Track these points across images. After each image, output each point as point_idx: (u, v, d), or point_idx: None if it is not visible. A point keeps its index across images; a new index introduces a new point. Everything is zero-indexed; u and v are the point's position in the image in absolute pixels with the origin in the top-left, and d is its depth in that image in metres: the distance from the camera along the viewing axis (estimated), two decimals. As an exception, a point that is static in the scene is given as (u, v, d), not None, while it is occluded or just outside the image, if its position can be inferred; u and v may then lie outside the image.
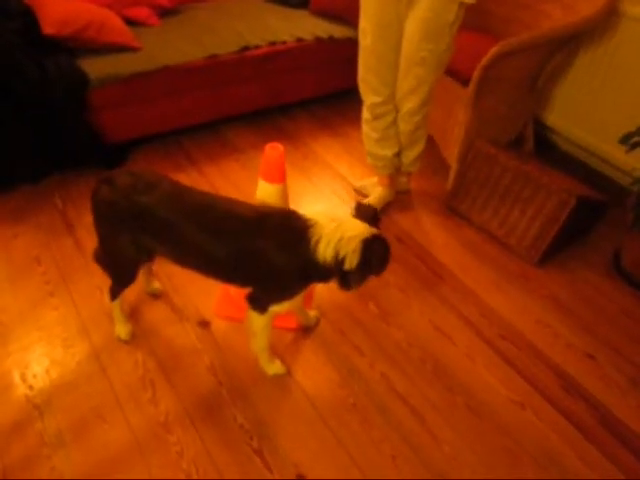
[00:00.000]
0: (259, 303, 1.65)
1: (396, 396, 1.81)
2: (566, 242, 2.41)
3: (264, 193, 1.82)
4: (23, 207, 2.37)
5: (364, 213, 1.58)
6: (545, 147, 3.03)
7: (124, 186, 1.56)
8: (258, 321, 1.68)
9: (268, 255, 1.51)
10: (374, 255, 1.50)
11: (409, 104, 2.25)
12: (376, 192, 2.57)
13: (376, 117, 2.35)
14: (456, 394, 1.84)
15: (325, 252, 1.47)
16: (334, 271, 1.51)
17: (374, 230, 1.53)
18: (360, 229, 1.50)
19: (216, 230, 1.54)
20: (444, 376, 1.89)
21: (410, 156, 2.48)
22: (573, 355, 2.01)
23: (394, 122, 2.37)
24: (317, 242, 1.47)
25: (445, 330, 2.05)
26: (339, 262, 1.47)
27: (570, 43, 2.57)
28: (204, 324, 1.98)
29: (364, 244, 1.47)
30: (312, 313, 2.02)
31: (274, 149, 1.76)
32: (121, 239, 1.62)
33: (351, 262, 1.47)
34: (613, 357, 2.01)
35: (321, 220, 1.51)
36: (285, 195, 1.85)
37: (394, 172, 2.54)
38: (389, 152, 2.44)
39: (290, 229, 1.53)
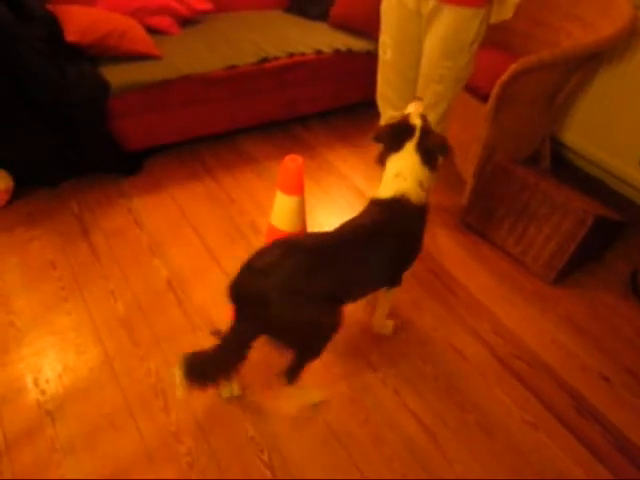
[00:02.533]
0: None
1: (408, 413, 1.79)
2: (583, 261, 2.39)
3: (281, 205, 1.82)
4: (40, 211, 2.39)
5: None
6: (561, 165, 3.02)
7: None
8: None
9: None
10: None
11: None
12: None
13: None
14: (468, 412, 1.82)
15: None
16: None
17: None
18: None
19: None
20: (457, 394, 1.87)
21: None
22: (588, 376, 1.98)
23: None
24: None
25: (459, 347, 2.03)
26: None
27: (590, 62, 2.56)
28: (217, 333, 1.96)
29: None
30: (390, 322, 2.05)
31: (293, 161, 1.77)
32: None
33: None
34: (628, 380, 1.99)
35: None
36: (303, 207, 1.85)
37: None
38: None
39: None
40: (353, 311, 2.11)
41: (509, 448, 1.73)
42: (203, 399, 1.76)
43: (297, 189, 1.80)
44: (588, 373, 2.00)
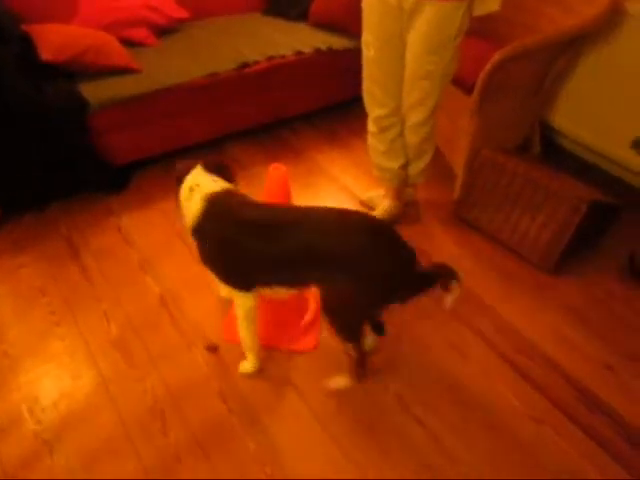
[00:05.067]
0: None
1: (411, 417, 1.77)
2: (580, 248, 2.35)
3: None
4: (27, 236, 2.36)
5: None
6: (553, 150, 2.98)
7: None
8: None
9: None
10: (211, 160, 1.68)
11: (416, 116, 2.22)
12: (383, 205, 2.53)
13: (382, 130, 2.32)
14: (472, 412, 1.79)
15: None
16: None
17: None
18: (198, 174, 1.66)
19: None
20: (460, 394, 1.84)
21: (417, 168, 2.44)
22: (591, 367, 1.95)
23: (400, 134, 2.33)
24: None
25: (459, 347, 2.00)
26: None
27: (574, 45, 2.52)
28: (212, 349, 1.94)
29: (202, 164, 1.68)
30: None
31: (277, 170, 1.74)
32: None
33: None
34: (632, 366, 1.96)
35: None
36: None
37: (401, 184, 2.50)
38: (396, 164, 2.40)
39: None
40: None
41: (516, 446, 1.70)
42: (202, 416, 1.74)
43: (283, 197, 1.77)
44: (591, 363, 1.97)
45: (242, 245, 1.54)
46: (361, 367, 1.79)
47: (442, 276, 1.64)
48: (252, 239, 1.52)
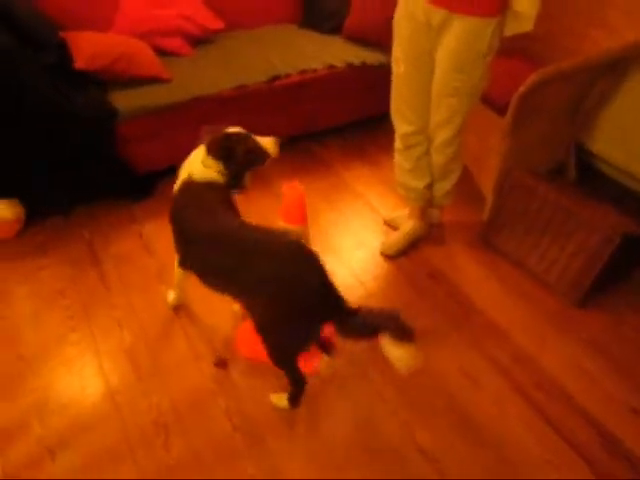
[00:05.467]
0: None
1: (417, 448, 1.70)
2: (610, 281, 2.24)
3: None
4: (51, 239, 2.39)
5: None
6: (591, 175, 2.86)
7: None
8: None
9: None
10: (220, 142, 1.67)
11: (442, 135, 2.16)
12: (407, 225, 2.47)
13: (408, 147, 2.27)
14: (482, 448, 1.71)
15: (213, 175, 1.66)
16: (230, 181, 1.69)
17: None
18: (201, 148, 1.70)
19: None
20: (470, 428, 1.77)
21: (443, 189, 2.37)
22: (616, 409, 1.85)
23: (426, 153, 2.28)
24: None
25: (475, 377, 1.92)
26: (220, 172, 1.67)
27: (616, 69, 2.42)
28: (222, 364, 1.92)
29: (209, 145, 1.68)
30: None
31: (293, 190, 1.71)
32: None
33: (217, 166, 1.66)
34: (661, 412, 1.85)
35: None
36: (306, 236, 1.78)
37: (426, 204, 2.44)
38: (421, 184, 2.35)
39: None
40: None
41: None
42: (205, 433, 1.72)
43: (299, 218, 1.74)
44: (615, 404, 1.86)
45: (185, 243, 1.69)
46: (295, 394, 1.74)
47: (388, 328, 1.45)
48: (194, 244, 1.63)
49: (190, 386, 1.85)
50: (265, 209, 2.60)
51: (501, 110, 2.32)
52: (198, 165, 1.68)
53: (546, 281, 2.28)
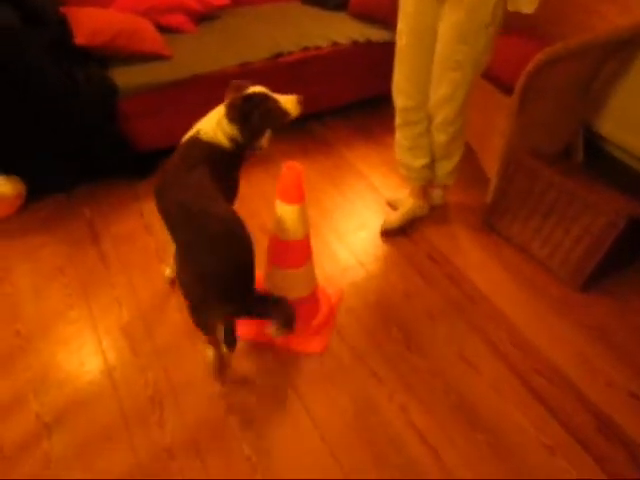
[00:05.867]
0: None
1: (414, 432, 1.70)
2: (615, 266, 2.21)
3: (282, 214, 1.75)
4: (53, 216, 2.39)
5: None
6: (599, 158, 2.80)
7: None
8: None
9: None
10: (239, 106, 1.64)
11: (444, 112, 2.12)
12: (406, 204, 2.44)
13: (407, 123, 2.24)
14: (480, 432, 1.70)
15: (220, 138, 1.66)
16: (240, 147, 1.70)
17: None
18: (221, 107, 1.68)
19: None
20: (468, 412, 1.76)
21: (444, 168, 2.34)
22: (615, 394, 1.83)
23: (426, 131, 2.24)
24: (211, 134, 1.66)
25: (473, 361, 1.91)
26: (232, 137, 1.67)
27: (627, 48, 2.35)
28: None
29: (227, 107, 1.65)
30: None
31: (291, 169, 1.68)
32: None
33: (231, 128, 1.66)
34: (662, 398, 1.83)
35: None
36: (304, 215, 1.76)
37: (426, 184, 2.41)
38: (420, 162, 2.31)
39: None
40: (357, 320, 2.03)
41: (521, 473, 1.61)
42: (199, 413, 1.72)
43: (297, 197, 1.71)
44: (615, 390, 1.84)
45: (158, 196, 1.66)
46: (217, 366, 1.78)
47: (276, 315, 1.59)
48: (162, 197, 1.63)
49: (186, 366, 1.85)
50: (267, 189, 2.58)
51: (508, 89, 2.27)
52: (211, 124, 1.67)
53: (549, 266, 2.25)
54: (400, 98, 2.21)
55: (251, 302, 1.56)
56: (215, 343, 1.75)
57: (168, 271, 2.11)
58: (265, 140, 1.82)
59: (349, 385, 1.82)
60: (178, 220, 1.53)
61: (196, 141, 1.68)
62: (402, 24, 2.05)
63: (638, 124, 2.60)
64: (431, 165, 2.34)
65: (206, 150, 1.66)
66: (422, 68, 2.07)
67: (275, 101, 1.74)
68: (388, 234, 2.43)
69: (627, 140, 2.67)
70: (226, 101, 1.71)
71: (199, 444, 1.65)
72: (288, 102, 1.76)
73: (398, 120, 2.28)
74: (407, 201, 2.46)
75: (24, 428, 1.67)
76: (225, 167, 1.70)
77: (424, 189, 2.43)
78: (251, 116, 1.68)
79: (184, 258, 1.52)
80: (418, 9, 1.96)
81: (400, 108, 2.23)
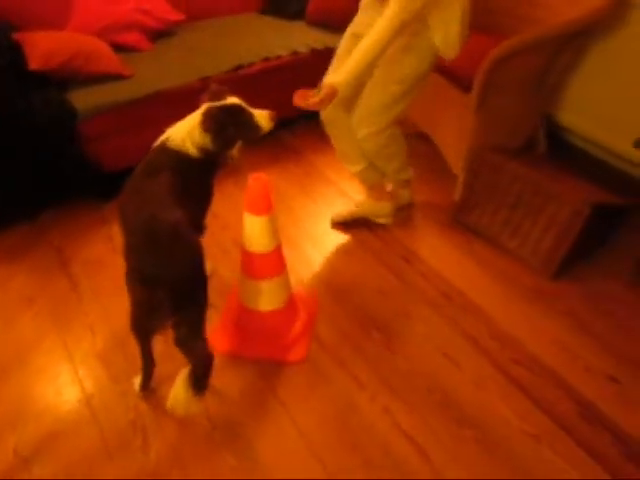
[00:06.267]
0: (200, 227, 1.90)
1: (400, 433, 1.70)
2: (584, 252, 2.25)
3: (251, 226, 1.74)
4: (20, 245, 2.35)
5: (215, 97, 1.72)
6: (562, 148, 2.86)
7: None
8: None
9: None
10: (216, 117, 1.64)
11: (364, 130, 2.13)
12: (362, 203, 2.49)
13: (332, 134, 2.28)
14: (465, 428, 1.71)
15: (188, 146, 1.64)
16: (210, 156, 1.69)
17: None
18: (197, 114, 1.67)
19: None
20: (452, 408, 1.76)
21: (390, 167, 2.34)
22: (594, 379, 1.85)
23: (350, 139, 2.24)
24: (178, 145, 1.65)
25: (454, 357, 1.92)
26: (202, 147, 1.65)
27: (579, 38, 2.40)
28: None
29: (203, 117, 1.64)
30: None
31: (257, 181, 1.68)
32: None
33: (203, 138, 1.64)
34: (639, 379, 1.85)
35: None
36: (273, 226, 1.76)
37: (375, 184, 2.42)
38: (357, 167, 2.33)
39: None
40: (336, 325, 2.02)
41: (510, 464, 1.62)
42: (184, 431, 1.69)
43: (264, 208, 1.71)
44: (594, 375, 1.87)
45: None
46: (144, 373, 1.76)
47: (193, 371, 1.54)
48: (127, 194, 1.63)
49: (167, 386, 1.81)
50: (238, 201, 2.56)
51: (467, 87, 2.30)
52: (182, 132, 1.67)
53: (520, 257, 2.28)
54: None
55: (194, 313, 1.53)
56: (145, 366, 1.73)
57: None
58: (236, 150, 1.83)
59: (331, 391, 1.81)
60: (128, 224, 1.53)
61: (163, 148, 1.67)
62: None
63: (595, 112, 2.66)
64: (371, 167, 2.33)
65: (173, 157, 1.65)
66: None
67: (250, 115, 1.75)
68: (334, 225, 2.49)
69: (586, 128, 2.73)
70: (203, 108, 1.70)
71: (185, 462, 1.62)
72: (261, 117, 1.77)
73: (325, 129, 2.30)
74: (364, 199, 2.50)
75: (2, 462, 1.62)
76: (194, 175, 1.70)
77: (378, 188, 2.43)
78: (226, 128, 1.68)
79: (130, 261, 1.50)
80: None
81: (327, 113, 2.22)
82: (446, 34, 1.93)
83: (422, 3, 1.77)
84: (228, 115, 1.69)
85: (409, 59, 1.98)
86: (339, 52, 2.17)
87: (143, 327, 1.60)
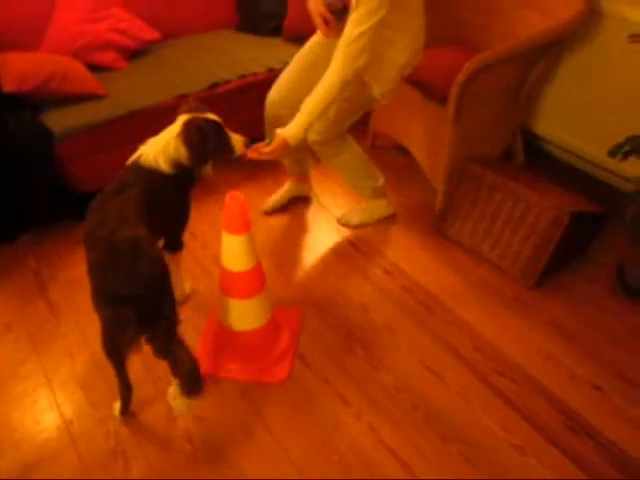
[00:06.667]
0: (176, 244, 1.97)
1: (385, 449, 1.68)
2: (564, 260, 2.26)
3: (229, 246, 1.72)
4: (-4, 270, 2.31)
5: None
6: (539, 157, 2.89)
7: None
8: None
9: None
10: (199, 127, 1.65)
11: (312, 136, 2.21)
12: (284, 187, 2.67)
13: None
14: (450, 442, 1.70)
15: (160, 162, 1.64)
16: (183, 172, 1.69)
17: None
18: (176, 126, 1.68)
19: None
20: (437, 422, 1.75)
21: (346, 178, 2.46)
22: (578, 387, 1.86)
23: None
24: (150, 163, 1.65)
25: (437, 370, 1.91)
26: (175, 162, 1.66)
27: (552, 49, 2.43)
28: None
29: (185, 127, 1.65)
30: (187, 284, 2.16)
31: (234, 199, 1.67)
32: None
33: (178, 151, 1.64)
34: (622, 386, 1.86)
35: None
36: (251, 245, 1.74)
37: (298, 172, 2.60)
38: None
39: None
40: (319, 342, 2.01)
41: (496, 477, 1.61)
42: (166, 456, 1.66)
43: (242, 227, 1.69)
44: (578, 383, 1.87)
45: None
46: (122, 397, 1.73)
47: (181, 379, 1.54)
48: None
49: (148, 411, 1.79)
50: (217, 219, 2.54)
51: (443, 100, 2.31)
52: (155, 148, 1.67)
53: (501, 267, 2.28)
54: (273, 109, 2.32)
55: (163, 327, 1.52)
56: (122, 389, 1.70)
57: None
58: (209, 168, 1.84)
59: (316, 410, 1.79)
60: (89, 242, 1.51)
61: (134, 166, 1.68)
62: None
63: (571, 121, 2.70)
64: (300, 161, 2.51)
65: (143, 175, 1.65)
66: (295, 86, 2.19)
67: (227, 135, 1.77)
68: (265, 214, 2.64)
69: (563, 138, 2.76)
70: (182, 119, 1.70)
71: (167, 488, 1.59)
72: (237, 141, 1.80)
73: None
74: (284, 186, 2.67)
75: (-21, 497, 1.58)
76: (166, 192, 1.70)
77: (296, 176, 2.62)
78: (208, 141, 1.69)
79: (93, 279, 1.49)
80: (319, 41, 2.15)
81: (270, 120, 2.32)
82: (382, 86, 2.06)
83: (363, 61, 1.86)
84: (211, 128, 1.71)
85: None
86: (285, 75, 2.27)
87: (114, 346, 1.57)
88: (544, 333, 2.04)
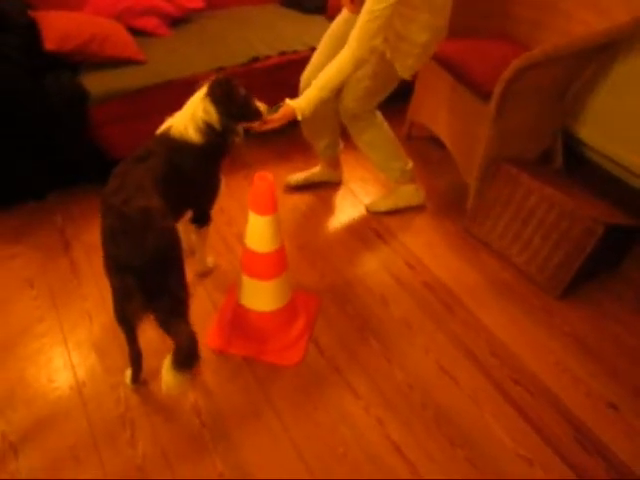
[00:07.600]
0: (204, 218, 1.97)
1: (391, 446, 1.67)
2: (594, 273, 2.20)
3: (255, 226, 1.71)
4: (24, 225, 2.33)
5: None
6: (579, 163, 2.80)
7: None
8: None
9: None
10: (223, 84, 1.68)
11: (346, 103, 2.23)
12: (312, 170, 2.66)
13: None
14: (457, 446, 1.68)
15: (190, 131, 1.66)
16: (214, 141, 1.70)
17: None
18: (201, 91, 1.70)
19: None
20: (446, 424, 1.73)
21: (375, 158, 2.43)
22: (593, 404, 1.81)
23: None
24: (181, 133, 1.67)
25: (451, 371, 1.88)
26: (209, 128, 1.68)
27: (605, 52, 2.34)
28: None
29: (211, 84, 1.68)
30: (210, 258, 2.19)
31: (263, 180, 1.64)
32: None
33: (207, 112, 1.66)
34: (639, 407, 1.81)
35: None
36: (276, 227, 1.72)
37: (329, 159, 2.60)
38: (323, 143, 2.49)
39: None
40: (333, 330, 1.99)
41: (501, 487, 1.59)
42: (172, 428, 1.68)
43: (269, 208, 1.67)
44: (594, 400, 1.83)
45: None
46: (132, 365, 1.74)
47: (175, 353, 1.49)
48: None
49: (159, 379, 1.80)
50: (246, 197, 2.54)
51: (486, 96, 2.24)
52: (185, 118, 1.69)
53: (526, 273, 2.23)
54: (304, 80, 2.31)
55: (167, 302, 1.50)
56: (133, 356, 1.72)
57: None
58: (239, 137, 1.83)
59: (325, 398, 1.79)
60: (104, 208, 1.51)
61: (163, 137, 1.70)
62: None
63: (616, 129, 2.59)
64: (332, 145, 2.50)
65: (170, 145, 1.66)
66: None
67: (251, 97, 1.81)
68: (287, 188, 2.64)
69: (605, 145, 2.66)
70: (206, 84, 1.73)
71: (171, 461, 1.60)
72: (260, 105, 1.84)
73: None
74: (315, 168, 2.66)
75: (-10, 448, 1.62)
76: (194, 163, 1.70)
77: (327, 162, 2.61)
78: (234, 96, 1.72)
79: (104, 246, 1.49)
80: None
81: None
82: (403, 62, 2.06)
83: (380, 40, 1.84)
84: (234, 87, 1.73)
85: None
86: (317, 52, 2.29)
87: (123, 315, 1.58)
88: (564, 345, 1.99)
